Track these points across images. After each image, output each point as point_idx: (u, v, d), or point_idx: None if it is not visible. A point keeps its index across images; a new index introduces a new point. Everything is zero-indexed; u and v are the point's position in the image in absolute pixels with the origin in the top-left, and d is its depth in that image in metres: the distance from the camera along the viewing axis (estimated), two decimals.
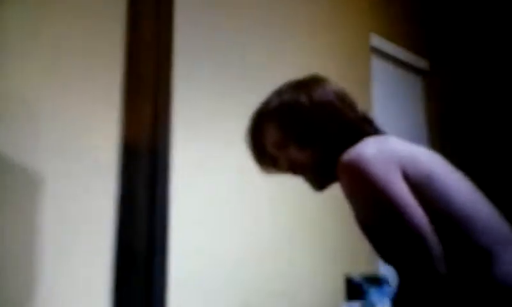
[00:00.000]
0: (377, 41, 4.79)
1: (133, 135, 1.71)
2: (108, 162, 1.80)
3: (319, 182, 1.84)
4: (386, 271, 4.00)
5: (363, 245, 3.90)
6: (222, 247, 3.05)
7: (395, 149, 1.67)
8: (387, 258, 1.63)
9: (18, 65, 1.75)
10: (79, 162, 1.84)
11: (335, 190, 3.68)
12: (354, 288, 3.81)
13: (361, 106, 4.28)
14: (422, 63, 5.48)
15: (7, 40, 1.75)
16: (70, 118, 1.83)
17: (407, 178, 1.61)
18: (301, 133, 1.77)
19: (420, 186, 1.65)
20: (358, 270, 3.86)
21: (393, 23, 5.07)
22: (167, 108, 1.85)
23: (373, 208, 1.60)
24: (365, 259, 4.04)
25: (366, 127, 1.76)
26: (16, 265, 1.74)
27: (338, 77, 3.90)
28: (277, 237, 3.40)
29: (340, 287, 3.77)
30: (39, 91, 1.78)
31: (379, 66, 4.83)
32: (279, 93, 1.84)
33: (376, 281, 3.90)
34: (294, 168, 1.83)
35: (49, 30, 1.92)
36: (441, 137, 5.35)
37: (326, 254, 3.75)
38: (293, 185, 3.26)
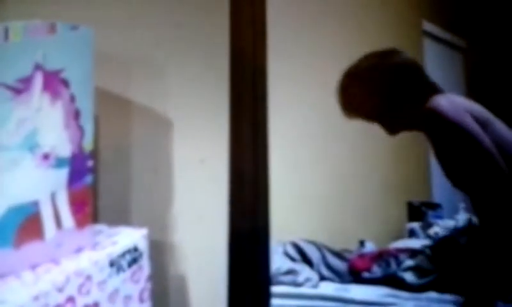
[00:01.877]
0: (427, 25, 4.67)
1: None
2: (220, 107, 1.82)
3: (394, 128, 1.88)
4: (439, 199, 3.91)
5: (422, 181, 3.85)
6: (311, 182, 3.02)
7: (461, 101, 1.78)
8: (464, 176, 1.69)
9: (147, 32, 1.79)
10: (198, 106, 1.87)
11: (401, 141, 3.67)
12: (415, 211, 3.77)
13: None
14: (461, 42, 5.32)
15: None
16: (188, 72, 1.85)
17: (474, 119, 1.67)
18: (386, 89, 1.79)
19: (482, 124, 1.81)
20: (418, 198, 3.77)
21: (438, 10, 4.89)
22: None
23: (456, 141, 1.78)
24: (423, 191, 3.95)
25: (433, 86, 1.77)
26: (155, 183, 1.82)
27: None
28: (359, 175, 3.38)
29: (404, 212, 3.69)
30: (164, 52, 1.82)
31: (429, 46, 4.70)
32: (366, 57, 1.86)
33: (431, 205, 3.83)
34: (375, 115, 1.84)
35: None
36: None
37: (394, 187, 3.69)
38: (370, 138, 3.22)
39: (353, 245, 3.13)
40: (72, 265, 1.24)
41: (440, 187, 4.27)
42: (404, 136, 3.97)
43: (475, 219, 3.75)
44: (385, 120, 1.98)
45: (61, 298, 1.17)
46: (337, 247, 2.94)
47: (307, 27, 3.31)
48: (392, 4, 4.42)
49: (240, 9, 1.79)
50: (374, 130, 3.61)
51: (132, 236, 1.43)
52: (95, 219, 1.48)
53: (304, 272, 2.59)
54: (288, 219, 2.78)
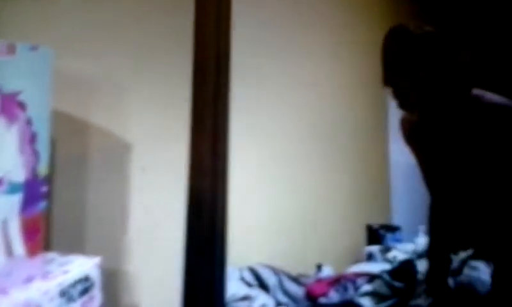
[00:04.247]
0: None
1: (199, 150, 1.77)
2: (180, 131, 1.84)
3: (414, 106, 1.77)
4: (398, 221, 3.99)
5: (382, 203, 3.92)
6: (269, 206, 3.06)
7: None
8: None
9: (108, 52, 1.80)
10: (157, 129, 1.88)
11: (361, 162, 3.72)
12: (374, 234, 3.82)
13: (378, 93, 4.24)
14: None
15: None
16: (150, 92, 1.87)
17: None
18: (435, 65, 1.69)
19: None
20: (377, 220, 3.83)
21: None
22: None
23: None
24: (383, 214, 4.02)
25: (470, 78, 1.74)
26: (111, 210, 1.82)
27: (360, 70, 3.94)
28: (316, 197, 3.42)
29: (362, 235, 3.74)
30: (125, 72, 1.83)
31: None
32: (414, 24, 1.76)
33: (391, 228, 3.90)
34: (406, 85, 1.73)
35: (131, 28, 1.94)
36: None
37: (353, 209, 3.74)
38: (329, 159, 3.27)
39: (311, 270, 3.18)
40: (21, 295, 1.24)
41: (400, 209, 4.36)
42: (364, 157, 4.08)
43: None
44: (407, 91, 1.82)
45: None
46: (295, 271, 2.98)
47: (279, 37, 3.34)
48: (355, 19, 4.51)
49: (204, 31, 1.83)
50: (333, 152, 3.68)
51: (84, 265, 1.44)
52: (47, 246, 1.48)
53: (260, 297, 2.62)
54: (245, 244, 2.81)
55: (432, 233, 2.09)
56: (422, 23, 1.86)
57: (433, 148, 1.92)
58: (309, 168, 3.49)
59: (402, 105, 1.86)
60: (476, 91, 1.77)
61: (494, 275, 1.84)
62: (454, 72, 1.76)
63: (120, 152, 1.80)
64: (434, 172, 1.98)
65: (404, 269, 3.21)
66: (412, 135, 2.04)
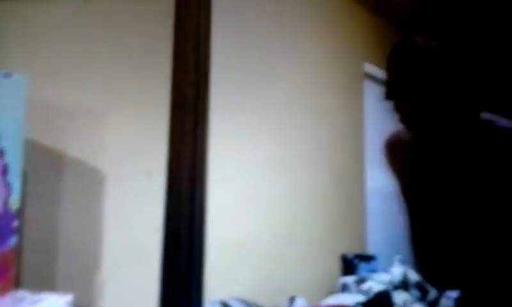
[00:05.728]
0: (368, 67, 4.86)
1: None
2: (157, 161, 1.84)
3: (415, 122, 1.76)
4: (373, 250, 4.03)
5: (356, 232, 3.97)
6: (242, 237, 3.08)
7: None
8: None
9: (88, 85, 1.80)
10: (134, 163, 1.88)
11: (336, 190, 3.77)
12: (348, 264, 3.84)
13: (355, 119, 4.30)
14: None
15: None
16: (127, 122, 1.87)
17: None
18: (440, 81, 1.70)
19: None
20: (353, 250, 3.86)
21: (379, 51, 5.09)
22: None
23: None
24: (358, 243, 4.06)
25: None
26: (84, 245, 1.81)
27: (337, 95, 4.00)
28: (290, 227, 3.44)
29: (337, 265, 3.77)
30: (101, 102, 1.83)
31: (369, 88, 4.87)
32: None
33: (366, 258, 3.94)
34: (409, 100, 1.73)
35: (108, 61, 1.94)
36: None
37: (326, 238, 3.77)
38: (303, 188, 3.31)
39: (284, 302, 3.17)
40: None
41: (376, 238, 4.39)
42: (340, 183, 4.12)
43: (410, 273, 3.90)
44: (410, 106, 1.80)
45: None
46: (268, 304, 2.98)
47: (249, 74, 3.37)
48: (333, 47, 4.58)
49: (183, 61, 1.84)
50: (307, 181, 3.71)
51: (55, 303, 1.43)
52: (17, 282, 1.47)
53: None
54: (217, 276, 2.80)
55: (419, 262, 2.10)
56: (428, 39, 1.87)
57: (426, 169, 1.92)
58: (282, 197, 3.51)
59: (403, 119, 1.85)
60: (486, 115, 1.78)
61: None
62: (461, 90, 1.78)
63: (95, 184, 1.80)
64: (420, 194, 1.98)
65: (379, 301, 3.25)
66: (400, 155, 2.04)
